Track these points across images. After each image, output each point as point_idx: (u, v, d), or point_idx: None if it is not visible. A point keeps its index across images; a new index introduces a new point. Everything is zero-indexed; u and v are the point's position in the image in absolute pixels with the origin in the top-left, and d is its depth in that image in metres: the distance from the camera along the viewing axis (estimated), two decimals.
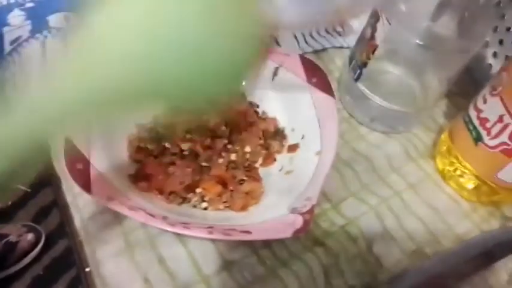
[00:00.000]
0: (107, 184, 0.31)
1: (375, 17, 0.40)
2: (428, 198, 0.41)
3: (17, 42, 0.41)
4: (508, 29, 0.46)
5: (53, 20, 0.43)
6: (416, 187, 0.42)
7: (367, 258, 0.37)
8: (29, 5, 0.44)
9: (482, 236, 0.40)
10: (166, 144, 0.37)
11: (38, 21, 0.43)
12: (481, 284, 0.37)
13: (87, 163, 0.31)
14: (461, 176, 0.41)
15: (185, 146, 0.37)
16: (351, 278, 0.35)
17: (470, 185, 0.41)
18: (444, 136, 0.43)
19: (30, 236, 1.04)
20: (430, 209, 0.41)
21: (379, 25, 0.39)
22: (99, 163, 0.32)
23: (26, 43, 0.41)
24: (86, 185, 0.30)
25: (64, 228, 0.42)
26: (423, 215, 0.40)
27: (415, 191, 0.42)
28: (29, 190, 1.16)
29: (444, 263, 0.37)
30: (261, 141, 0.39)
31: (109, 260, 0.33)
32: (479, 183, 0.40)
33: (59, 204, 0.44)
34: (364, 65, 0.42)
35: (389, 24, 0.38)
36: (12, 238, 1.01)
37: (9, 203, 1.14)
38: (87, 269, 0.35)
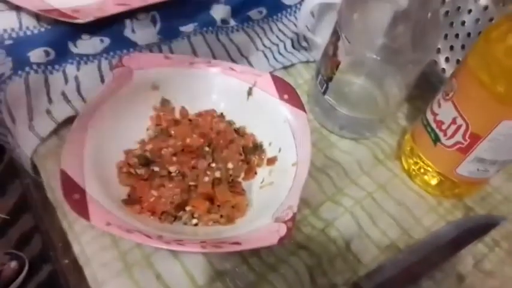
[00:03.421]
0: (103, 210, 0.33)
1: (335, 36, 0.43)
2: (397, 196, 0.45)
3: (0, 79, 0.43)
4: (457, 36, 0.50)
5: (34, 55, 0.45)
6: (386, 187, 0.46)
7: (346, 257, 0.40)
8: (8, 42, 0.45)
9: (447, 226, 0.43)
10: (155, 168, 0.39)
11: (18, 58, 0.44)
12: (450, 270, 0.40)
13: (83, 193, 0.33)
14: (424, 173, 0.45)
15: (173, 169, 0.39)
16: (333, 276, 0.38)
17: (434, 181, 0.45)
18: (407, 138, 0.47)
19: (13, 264, 1.04)
20: (399, 205, 0.44)
21: (340, 43, 0.43)
22: (93, 191, 0.34)
23: (9, 80, 0.43)
24: (84, 213, 0.32)
25: (47, 252, 0.44)
26: (394, 212, 0.44)
27: (385, 191, 0.45)
28: (8, 217, 1.15)
29: (415, 254, 0.40)
30: (242, 157, 0.42)
31: (110, 281, 0.35)
32: (441, 179, 0.44)
33: (40, 229, 0.44)
34: (330, 79, 0.45)
35: (349, 42, 0.42)
36: None
37: None
38: None
